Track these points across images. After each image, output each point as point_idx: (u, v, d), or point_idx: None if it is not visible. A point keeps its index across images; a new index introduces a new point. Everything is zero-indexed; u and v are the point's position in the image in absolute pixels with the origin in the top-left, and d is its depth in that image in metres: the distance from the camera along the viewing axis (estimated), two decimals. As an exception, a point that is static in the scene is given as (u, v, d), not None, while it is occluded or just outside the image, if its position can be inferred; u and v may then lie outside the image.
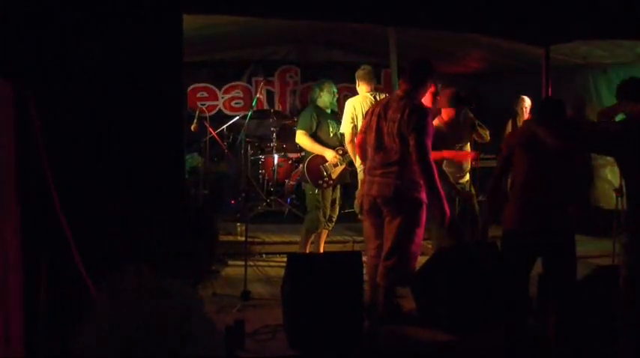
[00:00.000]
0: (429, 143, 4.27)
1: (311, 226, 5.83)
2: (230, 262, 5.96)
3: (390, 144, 4.34)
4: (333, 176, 5.81)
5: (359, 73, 5.80)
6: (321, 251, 5.95)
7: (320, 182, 5.76)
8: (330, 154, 5.78)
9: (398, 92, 4.52)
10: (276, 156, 7.83)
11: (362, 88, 5.75)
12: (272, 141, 7.96)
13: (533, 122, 4.08)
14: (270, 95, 9.00)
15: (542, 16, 4.80)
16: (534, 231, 3.82)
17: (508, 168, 4.08)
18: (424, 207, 4.38)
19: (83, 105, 3.54)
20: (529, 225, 3.84)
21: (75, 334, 2.04)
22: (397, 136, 4.28)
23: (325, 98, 5.92)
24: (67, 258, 3.18)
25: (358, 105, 5.63)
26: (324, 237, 6.04)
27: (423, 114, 4.28)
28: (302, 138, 5.85)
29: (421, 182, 4.32)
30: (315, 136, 5.82)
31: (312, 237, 5.91)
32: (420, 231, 4.41)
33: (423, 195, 4.36)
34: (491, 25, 4.92)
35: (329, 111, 5.99)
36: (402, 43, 6.95)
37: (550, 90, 5.63)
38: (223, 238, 6.14)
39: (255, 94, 8.43)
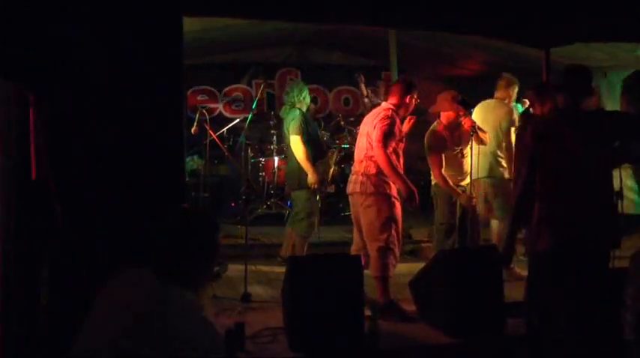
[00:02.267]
0: (385, 139, 4.60)
1: (306, 232, 5.83)
2: (230, 264, 5.95)
3: (360, 145, 4.83)
4: (329, 179, 5.99)
5: (498, 82, 6.11)
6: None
7: (323, 188, 5.88)
8: (314, 178, 5.70)
9: (383, 105, 4.88)
10: (276, 159, 7.83)
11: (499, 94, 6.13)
12: (272, 144, 7.96)
13: (560, 115, 3.48)
14: (270, 97, 9.01)
15: (543, 18, 4.80)
16: (569, 251, 3.33)
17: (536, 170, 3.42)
18: (392, 200, 4.72)
19: (83, 106, 3.54)
20: (563, 245, 3.33)
21: (75, 334, 2.03)
22: (365, 135, 4.76)
23: (307, 101, 5.92)
24: (67, 258, 3.18)
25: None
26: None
27: (384, 114, 4.69)
28: (300, 145, 5.69)
29: (384, 183, 4.68)
30: (309, 142, 5.75)
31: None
32: (393, 222, 4.70)
33: (389, 189, 4.71)
34: (491, 27, 4.93)
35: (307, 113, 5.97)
36: (402, 45, 6.98)
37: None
38: (224, 241, 6.14)
39: (256, 97, 8.43)
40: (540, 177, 3.41)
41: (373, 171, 4.68)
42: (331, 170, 6.01)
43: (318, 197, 5.82)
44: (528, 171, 3.42)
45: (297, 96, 5.87)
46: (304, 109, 5.86)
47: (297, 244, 5.91)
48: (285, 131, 5.95)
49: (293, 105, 5.88)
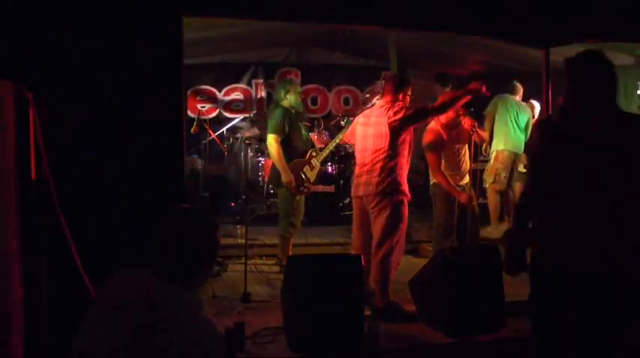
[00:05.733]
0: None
1: (286, 231, 5.84)
2: (230, 264, 5.95)
3: (376, 146, 4.69)
4: (312, 179, 5.93)
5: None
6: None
7: (302, 188, 5.82)
8: (287, 178, 5.68)
9: (379, 103, 4.84)
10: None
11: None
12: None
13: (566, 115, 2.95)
14: (270, 97, 9.00)
15: (543, 18, 4.81)
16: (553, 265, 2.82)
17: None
18: (405, 202, 4.71)
19: (83, 106, 3.54)
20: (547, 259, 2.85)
21: (75, 334, 2.03)
22: (383, 136, 4.65)
23: (291, 99, 5.85)
24: (67, 258, 3.18)
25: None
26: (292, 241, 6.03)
27: (395, 105, 4.68)
28: (274, 144, 5.67)
29: (400, 180, 4.67)
30: (288, 140, 5.77)
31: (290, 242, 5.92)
32: (403, 226, 4.71)
33: (403, 186, 4.69)
34: (491, 27, 4.93)
35: (293, 111, 5.90)
36: (401, 45, 6.97)
37: (550, 92, 5.62)
38: (223, 241, 6.11)
39: (256, 96, 8.42)
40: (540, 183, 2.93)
41: (390, 166, 4.63)
42: (317, 169, 5.97)
43: (302, 197, 5.83)
44: (531, 176, 3.01)
45: (279, 93, 5.91)
46: (287, 106, 5.84)
47: (279, 244, 5.92)
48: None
49: (277, 103, 5.92)
